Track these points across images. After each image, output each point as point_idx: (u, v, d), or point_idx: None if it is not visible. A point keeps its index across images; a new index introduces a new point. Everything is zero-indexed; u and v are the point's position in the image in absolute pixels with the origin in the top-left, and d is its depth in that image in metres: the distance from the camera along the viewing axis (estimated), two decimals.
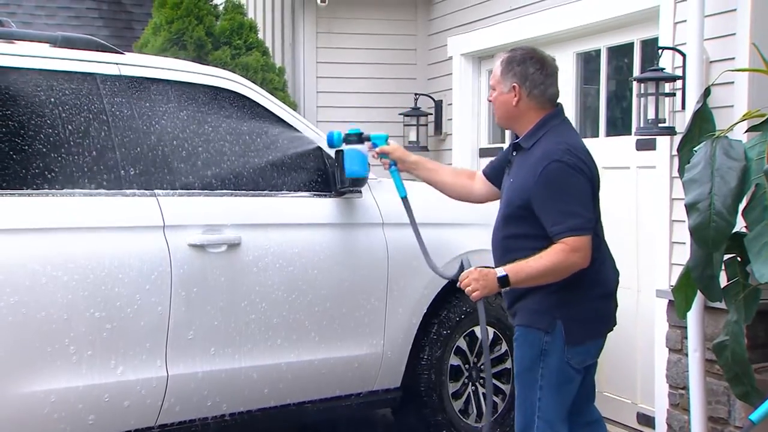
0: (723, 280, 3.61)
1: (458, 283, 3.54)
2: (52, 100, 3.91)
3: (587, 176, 3.43)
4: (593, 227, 3.42)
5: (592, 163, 3.52)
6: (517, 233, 3.50)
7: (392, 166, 4.00)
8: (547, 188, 3.39)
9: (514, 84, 3.55)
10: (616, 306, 3.66)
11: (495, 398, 5.12)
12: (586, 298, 3.48)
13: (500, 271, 3.42)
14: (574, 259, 3.35)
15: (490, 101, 3.71)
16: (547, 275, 3.38)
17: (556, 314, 3.45)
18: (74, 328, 3.76)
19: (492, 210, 4.87)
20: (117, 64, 4.16)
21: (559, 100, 3.66)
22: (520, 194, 3.48)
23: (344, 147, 4.18)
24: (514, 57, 3.59)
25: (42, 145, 3.84)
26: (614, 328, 3.67)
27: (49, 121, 3.88)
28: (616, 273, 3.67)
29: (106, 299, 3.83)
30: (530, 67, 3.55)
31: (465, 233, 5.00)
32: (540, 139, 3.51)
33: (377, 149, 4.04)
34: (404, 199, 4.05)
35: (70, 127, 3.92)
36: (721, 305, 3.76)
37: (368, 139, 4.10)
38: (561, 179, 3.38)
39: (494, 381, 5.12)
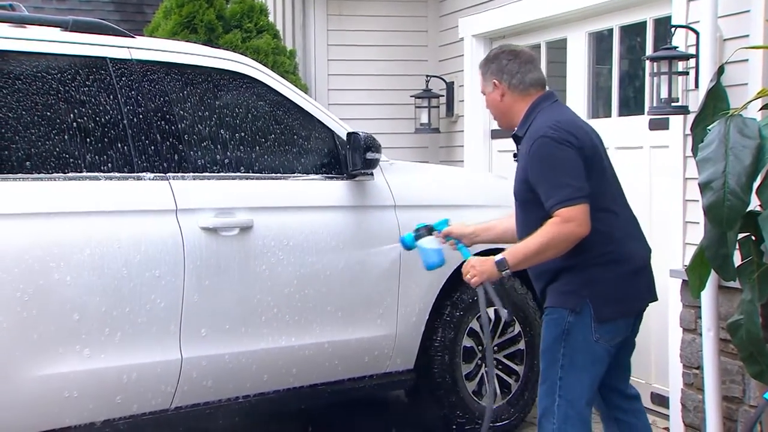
0: (737, 260, 3.59)
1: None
2: (64, 84, 3.91)
3: (576, 148, 3.43)
4: (586, 195, 3.38)
5: (585, 136, 3.50)
6: (534, 218, 3.49)
7: (458, 244, 4.05)
8: (537, 165, 3.44)
9: (494, 81, 3.65)
10: (652, 281, 3.65)
11: (509, 379, 5.14)
12: (614, 275, 3.48)
13: (498, 256, 3.48)
14: (570, 228, 3.34)
15: (488, 108, 3.78)
16: (545, 250, 3.39)
17: (584, 293, 3.46)
18: (88, 312, 3.77)
19: (504, 192, 4.87)
20: (128, 47, 4.16)
21: (554, 83, 3.66)
22: (521, 176, 3.53)
23: (417, 244, 4.19)
24: (488, 57, 3.72)
25: (53, 129, 3.84)
26: (652, 303, 3.68)
27: (60, 106, 3.89)
28: (647, 249, 3.68)
29: (120, 282, 3.84)
30: (503, 59, 3.65)
31: (477, 214, 4.96)
32: (531, 122, 3.56)
33: (441, 234, 4.09)
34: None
35: (81, 111, 3.92)
36: (735, 284, 3.75)
37: (433, 228, 4.16)
38: (547, 153, 3.42)
39: (507, 362, 5.14)
